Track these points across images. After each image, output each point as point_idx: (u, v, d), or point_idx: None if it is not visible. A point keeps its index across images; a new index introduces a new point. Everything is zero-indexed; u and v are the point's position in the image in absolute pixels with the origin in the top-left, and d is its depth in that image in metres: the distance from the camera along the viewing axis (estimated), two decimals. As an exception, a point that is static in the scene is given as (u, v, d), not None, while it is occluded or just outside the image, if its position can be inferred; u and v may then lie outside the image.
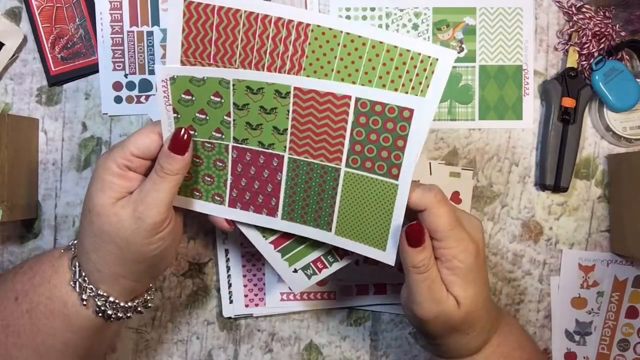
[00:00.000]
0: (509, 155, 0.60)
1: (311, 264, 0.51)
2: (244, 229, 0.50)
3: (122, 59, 0.59)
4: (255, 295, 0.60)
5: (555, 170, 0.59)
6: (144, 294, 0.50)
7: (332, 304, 0.60)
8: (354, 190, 0.46)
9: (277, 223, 0.49)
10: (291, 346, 0.61)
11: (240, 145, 0.47)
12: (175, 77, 0.44)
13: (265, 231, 0.50)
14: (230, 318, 0.61)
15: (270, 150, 0.46)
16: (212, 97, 0.45)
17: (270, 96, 0.44)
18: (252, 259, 0.60)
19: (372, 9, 0.59)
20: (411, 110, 0.42)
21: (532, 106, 0.60)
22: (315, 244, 0.50)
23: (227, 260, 0.60)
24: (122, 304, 0.47)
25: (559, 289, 0.61)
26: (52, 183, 0.59)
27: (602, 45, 0.59)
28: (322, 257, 0.51)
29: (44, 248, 0.60)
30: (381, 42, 0.42)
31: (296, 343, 0.61)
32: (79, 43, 0.59)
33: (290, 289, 0.51)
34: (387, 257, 0.47)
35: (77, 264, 0.46)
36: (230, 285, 0.60)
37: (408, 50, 0.42)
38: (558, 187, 0.59)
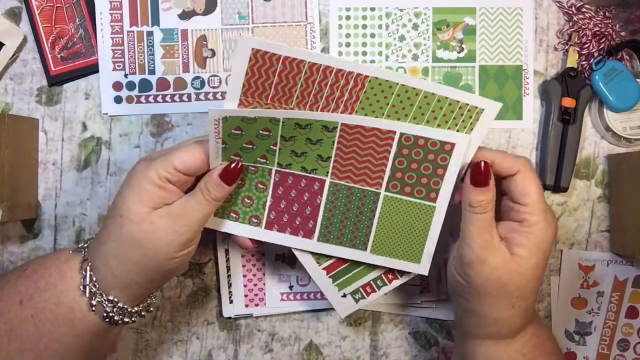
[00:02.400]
0: (509, 155, 0.60)
1: (360, 288, 0.53)
2: (297, 254, 0.52)
3: (122, 59, 0.59)
4: (255, 295, 0.60)
5: (555, 170, 0.59)
6: (147, 298, 0.50)
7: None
8: (392, 212, 0.49)
9: (313, 245, 0.50)
10: (291, 346, 0.61)
11: (283, 170, 0.48)
12: (228, 117, 0.45)
13: (320, 257, 0.52)
14: (230, 318, 0.61)
15: (312, 175, 0.49)
16: (260, 132, 0.46)
17: (317, 130, 0.47)
18: (252, 259, 0.60)
19: (372, 9, 0.59)
20: (452, 145, 0.47)
21: (532, 106, 0.60)
22: (367, 268, 0.52)
23: (227, 260, 0.60)
24: (129, 309, 0.47)
25: (559, 289, 0.61)
26: (52, 183, 0.59)
27: (602, 45, 0.59)
28: (372, 281, 0.53)
29: (44, 248, 0.60)
30: (433, 94, 0.45)
31: (296, 343, 0.61)
32: (79, 43, 0.59)
33: (337, 312, 0.55)
34: (421, 268, 0.51)
35: (87, 268, 0.46)
36: (230, 285, 0.60)
37: (457, 101, 0.46)
38: (558, 187, 0.59)
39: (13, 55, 0.58)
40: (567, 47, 0.60)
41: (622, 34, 0.59)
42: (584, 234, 0.61)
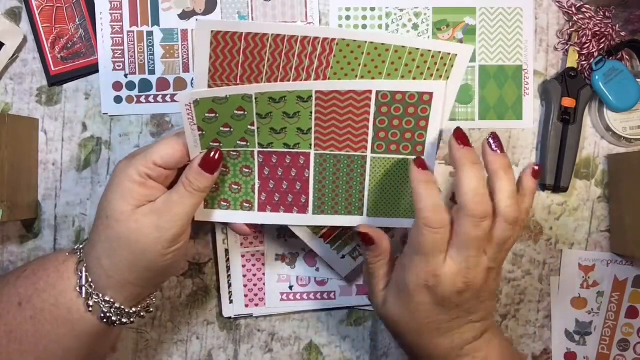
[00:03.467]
0: (509, 155, 0.60)
1: (357, 247, 0.55)
2: (293, 229, 0.52)
3: (122, 59, 0.59)
4: (255, 295, 0.60)
5: (555, 170, 0.59)
6: (147, 299, 0.50)
7: (332, 304, 0.60)
8: (382, 172, 0.49)
9: (309, 219, 0.50)
10: (291, 346, 0.61)
11: (265, 150, 0.48)
12: (198, 100, 0.44)
13: (315, 227, 0.53)
14: (230, 318, 0.61)
15: (296, 150, 0.48)
16: (235, 112, 0.46)
17: (292, 102, 0.46)
18: (252, 259, 0.60)
19: (372, 9, 0.59)
20: (431, 94, 0.46)
21: (532, 106, 0.60)
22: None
23: (227, 260, 0.60)
24: (126, 310, 0.47)
25: (559, 289, 0.61)
26: (52, 183, 0.59)
27: (602, 45, 0.59)
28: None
29: (44, 248, 0.60)
30: (403, 47, 0.45)
31: (296, 343, 0.61)
32: (79, 43, 0.59)
33: (338, 273, 0.57)
34: None
35: (83, 269, 0.46)
36: (230, 285, 0.60)
37: (429, 50, 0.45)
38: (558, 187, 0.59)
39: (13, 55, 0.58)
40: (567, 47, 0.60)
41: (622, 34, 0.59)
42: (584, 234, 0.61)
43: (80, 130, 0.59)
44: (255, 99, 0.45)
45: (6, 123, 0.53)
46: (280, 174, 0.49)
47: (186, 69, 0.59)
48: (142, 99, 0.59)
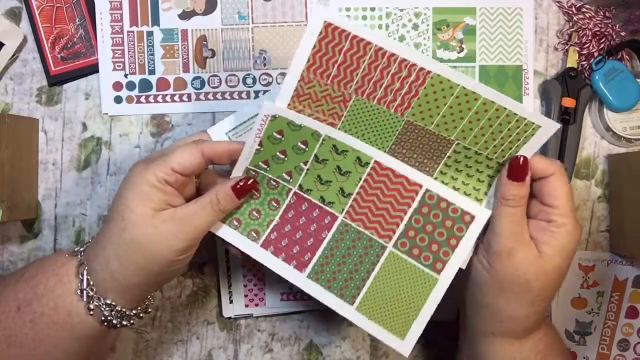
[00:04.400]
0: (509, 155, 0.60)
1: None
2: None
3: (122, 59, 0.59)
4: (255, 295, 0.60)
5: (555, 170, 0.59)
6: (145, 300, 0.50)
7: (332, 304, 0.60)
8: (393, 272, 0.47)
9: (302, 280, 0.49)
10: (291, 346, 0.61)
11: (301, 194, 0.48)
12: (277, 116, 0.45)
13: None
14: (230, 318, 0.61)
15: (327, 208, 0.48)
16: (299, 144, 0.46)
17: (350, 160, 0.47)
18: (252, 259, 0.60)
19: (372, 9, 0.59)
20: (472, 217, 0.46)
21: (532, 106, 0.60)
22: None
23: (227, 260, 0.60)
24: (127, 312, 0.47)
25: (559, 288, 0.61)
26: (52, 183, 0.59)
27: (602, 45, 0.59)
28: None
29: (44, 248, 0.60)
30: (493, 102, 0.44)
31: (296, 343, 0.61)
32: (79, 43, 0.59)
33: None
34: (404, 347, 0.47)
35: (84, 272, 0.46)
36: (230, 285, 0.60)
37: (515, 114, 0.44)
38: (558, 187, 0.59)
39: (13, 55, 0.58)
40: (567, 47, 0.60)
41: (622, 34, 0.59)
42: (584, 234, 0.61)
43: (80, 130, 0.59)
44: (322, 140, 0.46)
45: (6, 123, 0.53)
46: (301, 222, 0.48)
47: (186, 69, 0.59)
48: (142, 99, 0.59)
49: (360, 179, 0.47)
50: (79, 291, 0.45)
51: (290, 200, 0.48)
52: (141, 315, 0.49)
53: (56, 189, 0.59)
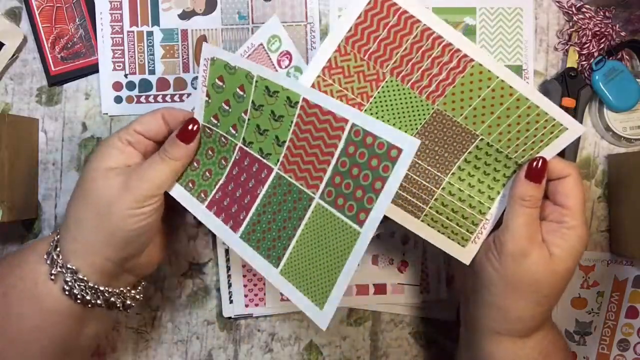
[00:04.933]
0: (509, 155, 0.60)
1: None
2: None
3: (122, 59, 0.59)
4: (255, 295, 0.60)
5: (555, 170, 0.59)
6: (123, 286, 0.48)
7: (332, 304, 0.60)
8: (317, 227, 0.43)
9: (234, 241, 0.46)
10: (291, 346, 0.61)
11: (245, 148, 0.47)
12: (215, 58, 0.45)
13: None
14: (230, 318, 0.61)
15: (265, 160, 0.46)
16: (237, 90, 0.46)
17: (281, 102, 0.44)
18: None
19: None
20: (399, 150, 0.38)
21: (532, 106, 0.60)
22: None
23: (227, 260, 0.60)
24: (90, 284, 0.45)
25: (559, 289, 0.61)
26: (52, 183, 0.59)
27: (602, 45, 0.59)
28: None
29: (44, 248, 0.60)
30: (527, 99, 0.44)
31: (296, 343, 0.61)
32: (79, 43, 0.59)
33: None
34: (322, 318, 0.42)
35: (57, 238, 0.46)
36: (230, 285, 0.60)
37: (546, 113, 0.45)
38: (558, 187, 0.59)
39: (13, 55, 0.58)
40: (567, 47, 0.60)
41: (622, 34, 0.59)
42: (584, 234, 0.61)
43: (80, 130, 0.59)
44: (255, 82, 0.45)
45: (6, 123, 0.53)
46: (242, 179, 0.47)
47: (186, 69, 0.59)
48: (142, 99, 0.59)
49: (291, 122, 0.43)
50: (45, 255, 0.46)
51: (235, 157, 0.47)
52: (113, 300, 0.47)
53: (56, 189, 0.59)
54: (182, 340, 0.61)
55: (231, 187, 0.47)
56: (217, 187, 0.48)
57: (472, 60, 0.43)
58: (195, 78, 0.59)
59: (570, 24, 0.60)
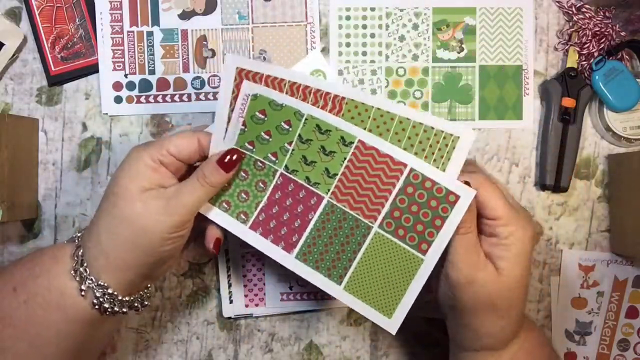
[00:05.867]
0: (509, 155, 0.60)
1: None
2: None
3: (122, 59, 0.59)
4: (255, 295, 0.60)
5: (555, 170, 0.59)
6: (141, 290, 0.49)
7: (332, 304, 0.60)
8: (379, 252, 0.47)
9: (290, 261, 0.49)
10: (291, 346, 0.61)
11: (288, 175, 0.48)
12: (258, 95, 0.46)
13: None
14: (230, 318, 0.61)
15: (313, 188, 0.48)
16: (282, 124, 0.47)
17: (334, 140, 0.47)
18: (252, 259, 0.60)
19: (372, 9, 0.59)
20: (457, 197, 0.45)
21: (532, 106, 0.60)
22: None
23: (227, 260, 0.60)
24: (119, 298, 0.46)
25: (559, 289, 0.61)
26: (52, 183, 0.59)
27: (602, 45, 0.59)
28: None
29: (44, 248, 0.60)
30: (408, 119, 0.46)
31: (296, 343, 0.61)
32: (79, 43, 0.59)
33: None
34: (391, 325, 0.48)
35: (80, 253, 0.46)
36: (230, 285, 0.60)
37: (432, 128, 0.46)
38: (558, 187, 0.59)
39: (13, 55, 0.58)
40: (567, 47, 0.60)
41: (622, 34, 0.59)
42: (584, 234, 0.61)
43: (80, 130, 0.59)
44: (305, 119, 0.46)
45: (6, 123, 0.53)
46: (288, 203, 0.48)
47: (186, 69, 0.59)
48: (142, 99, 0.59)
49: (344, 158, 0.47)
50: (72, 271, 0.45)
51: (277, 182, 0.48)
52: (136, 305, 0.48)
53: (56, 189, 0.59)
54: (182, 340, 0.61)
55: (275, 210, 0.49)
56: (258, 209, 0.49)
57: (343, 98, 0.46)
58: (196, 78, 0.59)
59: (570, 24, 0.60)
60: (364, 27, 0.59)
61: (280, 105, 0.46)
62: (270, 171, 0.48)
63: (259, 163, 0.48)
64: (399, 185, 0.46)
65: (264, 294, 0.60)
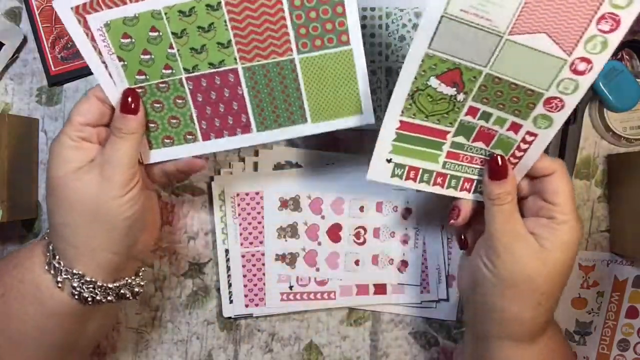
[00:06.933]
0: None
1: (408, 167, 0.48)
2: (399, 84, 0.45)
3: (122, 59, 0.59)
4: (255, 295, 0.60)
5: (555, 170, 0.59)
6: (127, 276, 0.48)
7: (332, 304, 0.60)
8: (314, 72, 0.47)
9: (255, 137, 0.48)
10: (291, 346, 0.61)
11: (193, 75, 0.47)
12: (109, 22, 0.44)
13: (410, 107, 0.46)
14: (230, 318, 0.61)
15: (222, 68, 0.46)
16: (150, 34, 0.45)
17: (203, 13, 0.44)
18: (252, 259, 0.60)
19: (372, 9, 0.59)
20: None
21: (532, 106, 0.60)
22: (434, 157, 0.48)
23: (227, 260, 0.60)
24: (99, 284, 0.46)
25: (559, 289, 0.61)
26: (52, 183, 0.59)
27: (602, 45, 0.59)
28: (421, 170, 0.48)
29: (44, 248, 0.60)
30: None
31: (296, 343, 0.61)
32: (79, 43, 0.59)
33: (369, 170, 0.48)
34: (366, 118, 0.48)
35: (51, 247, 0.46)
36: (230, 285, 0.60)
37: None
38: (558, 187, 0.59)
39: (13, 55, 0.58)
40: (567, 47, 0.60)
41: (622, 34, 0.59)
42: (584, 234, 0.61)
43: (80, 130, 0.59)
44: (165, 14, 0.44)
45: (6, 123, 0.53)
46: (214, 97, 0.47)
47: (186, 69, 0.59)
48: (142, 99, 0.59)
49: (225, 22, 0.45)
50: (46, 265, 0.45)
51: (188, 88, 0.47)
52: (124, 292, 0.48)
53: (56, 189, 0.59)
54: (182, 340, 0.61)
55: (209, 111, 0.48)
56: (195, 121, 0.48)
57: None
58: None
59: (570, 24, 0.59)
60: (364, 27, 0.59)
61: (135, 18, 0.44)
62: (176, 83, 0.47)
63: (160, 85, 0.47)
64: (285, 7, 0.45)
65: (264, 294, 0.60)
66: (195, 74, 0.47)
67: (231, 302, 0.60)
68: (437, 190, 0.49)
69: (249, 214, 0.59)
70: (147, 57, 0.46)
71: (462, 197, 0.49)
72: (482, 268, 0.47)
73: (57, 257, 0.45)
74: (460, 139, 0.47)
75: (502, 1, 0.39)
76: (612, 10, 0.39)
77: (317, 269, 0.60)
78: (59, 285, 0.45)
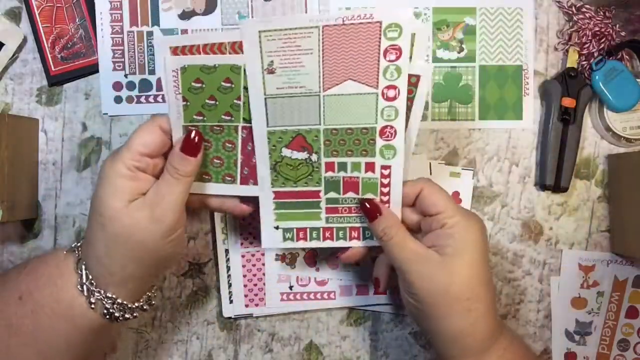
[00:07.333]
0: (509, 155, 0.60)
1: (295, 229, 0.51)
2: (260, 163, 0.48)
3: (122, 59, 0.59)
4: (255, 295, 0.60)
5: (555, 170, 0.59)
6: (147, 292, 0.50)
7: (332, 304, 0.60)
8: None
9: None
10: (291, 346, 0.61)
11: (249, 125, 0.47)
12: (186, 66, 0.45)
13: (277, 179, 0.49)
14: (230, 318, 0.61)
15: None
16: (222, 84, 0.46)
17: None
18: (252, 259, 0.60)
19: (373, 9, 0.59)
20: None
21: (532, 106, 0.60)
22: (312, 216, 0.50)
23: (227, 260, 0.60)
24: (129, 305, 0.47)
25: (559, 289, 0.61)
26: (52, 183, 0.59)
27: (602, 45, 0.59)
28: (308, 229, 0.51)
29: (44, 248, 0.60)
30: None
31: (296, 343, 0.61)
32: (79, 43, 0.59)
33: (261, 240, 0.51)
34: None
35: (83, 267, 0.46)
36: (230, 285, 0.60)
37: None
38: (558, 187, 0.59)
39: (13, 55, 0.58)
40: (567, 47, 0.60)
41: (622, 34, 0.59)
42: (584, 234, 0.61)
43: (80, 130, 0.59)
44: (244, 70, 0.45)
45: (6, 123, 0.53)
46: None
47: (186, 69, 0.59)
48: (142, 99, 0.59)
49: None
50: (79, 286, 0.45)
51: (242, 135, 0.48)
52: (145, 307, 0.49)
53: (56, 189, 0.59)
54: (182, 340, 0.61)
55: (254, 161, 0.48)
56: (238, 166, 0.49)
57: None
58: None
59: (570, 24, 0.60)
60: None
61: (213, 67, 0.45)
62: (231, 129, 0.48)
63: (215, 127, 0.47)
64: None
65: (264, 294, 0.60)
66: (252, 125, 0.47)
67: (231, 302, 0.60)
68: (329, 244, 0.51)
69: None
70: (212, 102, 0.46)
71: (354, 246, 0.51)
72: (409, 302, 0.48)
73: (91, 277, 0.46)
74: (332, 194, 0.49)
75: (305, 70, 0.44)
76: (390, 43, 0.43)
77: (317, 269, 0.60)
78: (92, 306, 0.45)
